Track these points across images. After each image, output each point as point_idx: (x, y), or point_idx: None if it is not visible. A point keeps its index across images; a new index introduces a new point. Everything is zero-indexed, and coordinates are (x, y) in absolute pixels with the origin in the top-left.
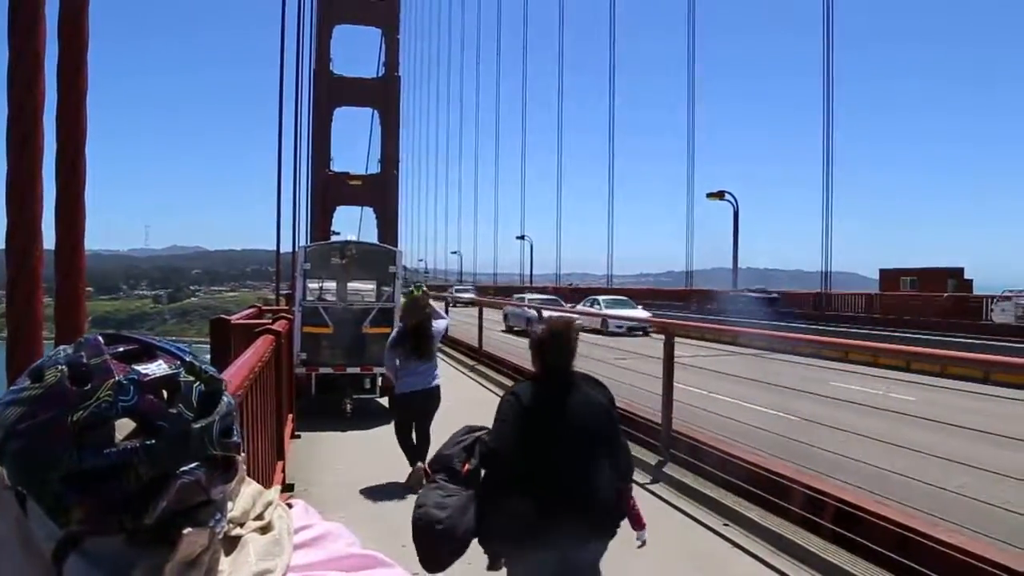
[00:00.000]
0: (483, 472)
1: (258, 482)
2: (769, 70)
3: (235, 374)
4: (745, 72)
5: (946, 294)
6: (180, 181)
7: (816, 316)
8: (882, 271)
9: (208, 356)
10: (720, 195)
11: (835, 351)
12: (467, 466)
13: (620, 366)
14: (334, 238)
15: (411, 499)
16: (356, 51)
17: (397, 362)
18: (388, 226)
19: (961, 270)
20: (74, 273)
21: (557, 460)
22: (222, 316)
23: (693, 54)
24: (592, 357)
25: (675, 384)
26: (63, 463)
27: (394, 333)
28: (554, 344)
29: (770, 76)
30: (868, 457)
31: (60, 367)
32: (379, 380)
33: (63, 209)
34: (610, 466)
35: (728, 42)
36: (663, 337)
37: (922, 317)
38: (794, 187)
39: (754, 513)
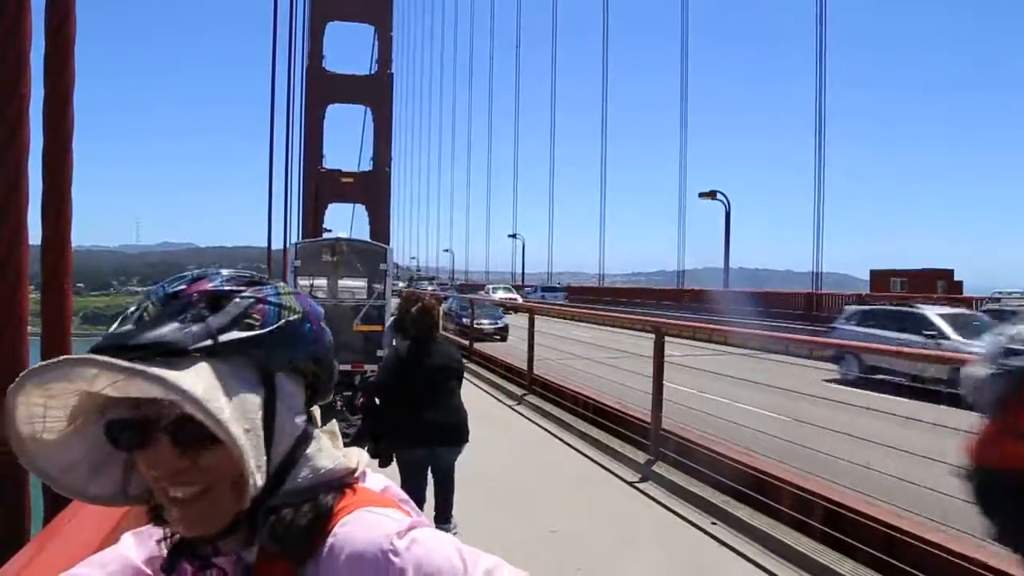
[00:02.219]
0: (376, 399)
1: None
2: (761, 72)
3: None
4: (737, 75)
5: (936, 295)
6: (171, 177)
7: (806, 316)
8: (872, 272)
9: None
10: (712, 195)
11: (827, 351)
12: (362, 400)
13: (611, 365)
14: (326, 235)
15: None
16: (349, 48)
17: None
18: (380, 223)
19: (951, 272)
20: (61, 268)
21: (423, 389)
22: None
23: (686, 47)
24: (583, 356)
25: (664, 383)
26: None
27: (391, 321)
28: (422, 317)
29: (762, 78)
30: (859, 457)
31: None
32: (370, 377)
33: (50, 205)
34: (458, 395)
35: (720, 45)
36: (653, 336)
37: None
38: (786, 188)
39: (743, 512)
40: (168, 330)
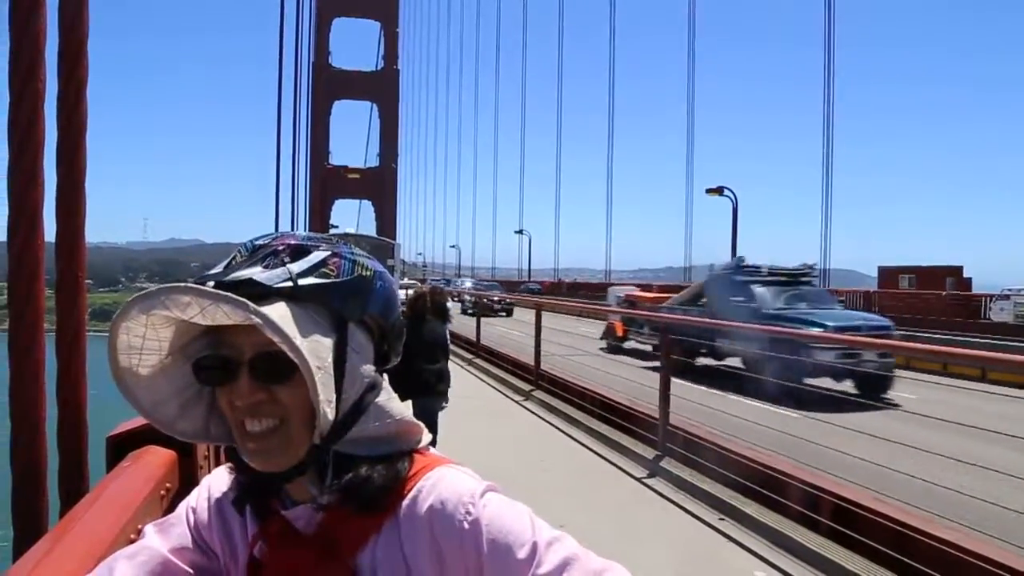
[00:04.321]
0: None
1: None
2: (768, 69)
3: None
4: (744, 72)
5: (945, 292)
6: (179, 174)
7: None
8: (881, 268)
9: None
10: (719, 191)
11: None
12: None
13: (618, 361)
14: (332, 231)
15: None
16: (355, 44)
17: None
18: (386, 219)
19: (960, 268)
20: (75, 265)
21: (418, 355)
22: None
23: (693, 42)
24: (590, 352)
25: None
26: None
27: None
28: (416, 300)
29: (769, 74)
30: (867, 454)
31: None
32: None
33: (63, 201)
34: (443, 361)
35: (727, 42)
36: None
37: (920, 315)
38: (793, 184)
39: (751, 508)
40: (254, 272)
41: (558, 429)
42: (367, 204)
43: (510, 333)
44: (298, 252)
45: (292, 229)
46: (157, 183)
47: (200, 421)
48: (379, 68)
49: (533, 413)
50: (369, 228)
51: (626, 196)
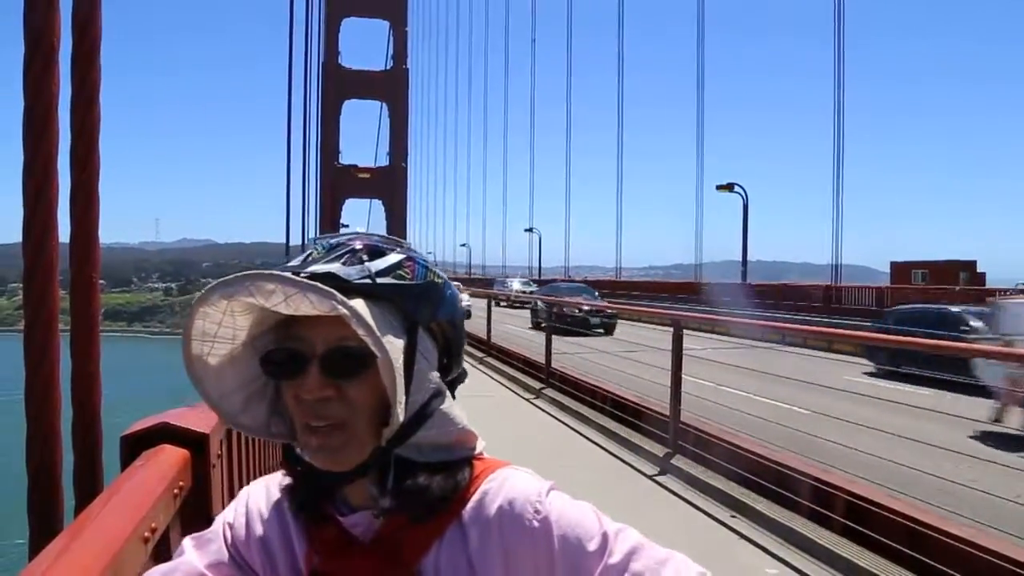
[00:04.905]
0: None
1: (269, 471)
2: (778, 65)
3: None
4: (754, 68)
5: (958, 287)
6: (190, 175)
7: (825, 309)
8: (893, 264)
9: None
10: (729, 187)
11: (848, 344)
12: None
13: (629, 358)
14: (342, 230)
15: None
16: (365, 44)
17: None
18: (397, 218)
19: (974, 263)
20: (89, 265)
21: None
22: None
23: (703, 37)
24: (599, 349)
25: (683, 376)
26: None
27: None
28: None
29: (779, 70)
30: (878, 450)
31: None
32: None
33: (77, 201)
34: None
35: (736, 38)
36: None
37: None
38: (804, 180)
39: (762, 505)
40: (333, 267)
41: (569, 427)
42: (377, 203)
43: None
44: (375, 252)
45: (303, 229)
46: (168, 183)
47: (262, 417)
48: (389, 68)
49: (544, 411)
50: (379, 227)
51: (636, 193)
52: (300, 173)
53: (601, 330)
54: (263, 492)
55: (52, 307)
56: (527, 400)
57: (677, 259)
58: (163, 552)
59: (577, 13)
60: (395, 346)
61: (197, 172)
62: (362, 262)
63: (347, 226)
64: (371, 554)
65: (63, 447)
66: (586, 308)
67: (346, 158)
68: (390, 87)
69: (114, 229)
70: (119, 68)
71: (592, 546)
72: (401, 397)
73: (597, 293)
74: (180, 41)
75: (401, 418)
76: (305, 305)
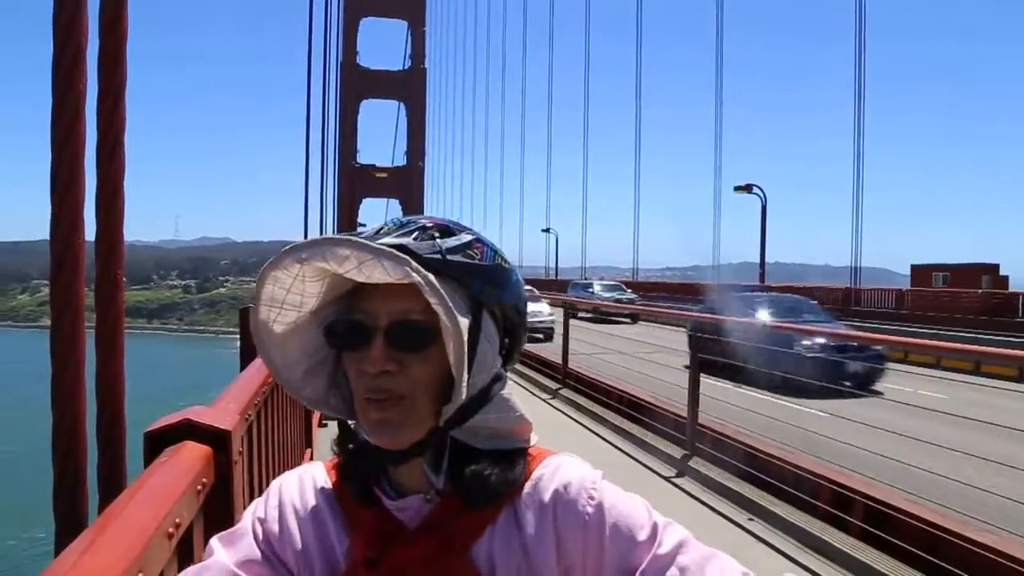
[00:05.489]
0: None
1: (288, 468)
2: (797, 66)
3: None
4: (772, 70)
5: (980, 291)
6: (209, 173)
7: (844, 312)
8: (913, 267)
9: (238, 345)
10: (748, 188)
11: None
12: None
13: (649, 360)
14: (360, 229)
15: None
16: (383, 44)
17: None
18: None
19: (997, 266)
20: (113, 263)
21: None
22: (251, 305)
23: (721, 37)
24: (618, 351)
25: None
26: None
27: None
28: None
29: (798, 71)
30: (898, 455)
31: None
32: None
33: (102, 199)
34: None
35: (755, 40)
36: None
37: (956, 314)
38: (823, 181)
39: (780, 508)
40: (406, 241)
41: (585, 427)
42: (394, 203)
43: None
44: (445, 231)
45: (320, 227)
46: (187, 182)
47: (322, 390)
48: (406, 67)
49: (560, 411)
50: None
51: (653, 194)
52: (318, 172)
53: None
54: (296, 484)
55: (78, 305)
56: (543, 400)
57: (694, 260)
58: (187, 548)
59: (595, 13)
60: (463, 322)
61: (216, 170)
62: (433, 239)
63: (364, 225)
64: (421, 540)
65: (87, 443)
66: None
67: (363, 157)
68: (408, 87)
69: (134, 227)
70: (136, 65)
71: (642, 536)
72: (465, 374)
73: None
74: (199, 39)
75: (463, 395)
76: (379, 272)
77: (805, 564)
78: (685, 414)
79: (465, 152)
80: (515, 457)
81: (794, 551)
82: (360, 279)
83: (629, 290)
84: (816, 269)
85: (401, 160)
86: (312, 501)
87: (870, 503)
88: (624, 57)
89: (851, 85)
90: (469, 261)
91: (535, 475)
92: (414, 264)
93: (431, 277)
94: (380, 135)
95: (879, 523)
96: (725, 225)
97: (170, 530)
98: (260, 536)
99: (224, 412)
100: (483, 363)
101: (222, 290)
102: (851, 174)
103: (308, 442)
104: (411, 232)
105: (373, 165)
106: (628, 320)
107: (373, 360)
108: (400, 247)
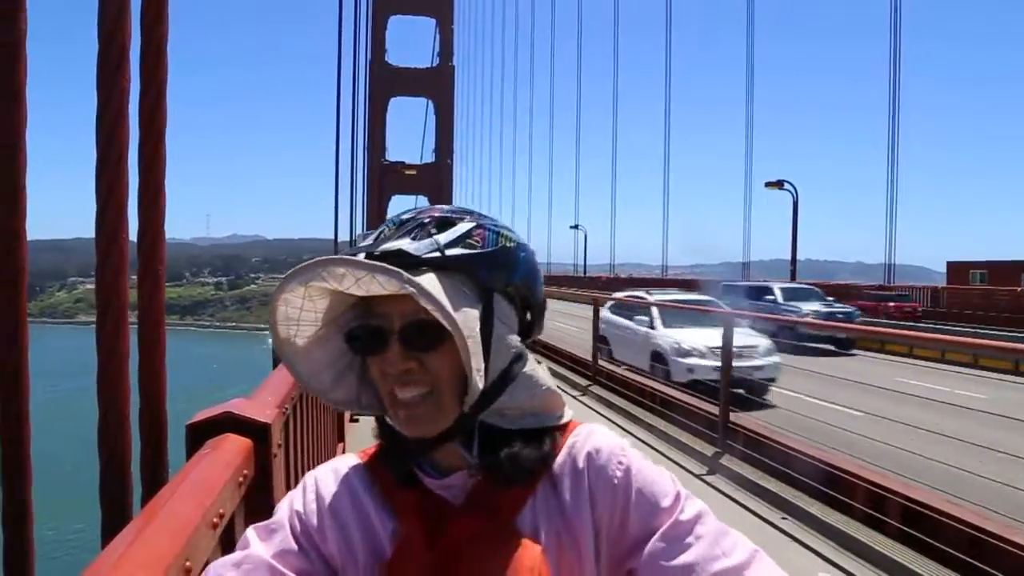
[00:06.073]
0: None
1: (323, 461)
2: (830, 63)
3: None
4: (805, 67)
5: (1020, 288)
6: (239, 171)
7: (877, 311)
8: (949, 264)
9: (270, 342)
10: (779, 184)
11: (900, 346)
12: None
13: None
14: (364, 233)
15: None
16: (410, 42)
17: None
18: None
19: None
20: (155, 259)
21: None
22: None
23: (752, 28)
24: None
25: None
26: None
27: None
28: None
29: (830, 69)
30: (935, 454)
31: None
32: None
33: (145, 197)
34: None
35: (787, 39)
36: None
37: (992, 312)
38: (857, 178)
39: (814, 508)
40: (403, 243)
41: (616, 425)
42: (423, 200)
43: None
44: (444, 224)
45: (350, 225)
46: (218, 179)
47: (352, 391)
48: (434, 65)
49: (591, 408)
50: None
51: (683, 190)
52: (348, 170)
53: None
54: (331, 476)
55: (122, 301)
56: (573, 398)
57: (724, 257)
58: (229, 538)
59: (624, 10)
60: (468, 316)
61: (246, 168)
62: (431, 235)
63: None
64: (467, 514)
65: (132, 436)
66: None
67: (392, 155)
68: (436, 84)
69: (167, 224)
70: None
71: (665, 502)
72: (478, 365)
73: None
74: (229, 39)
75: (481, 385)
76: (375, 286)
77: (840, 564)
78: (717, 411)
79: (493, 149)
80: (545, 436)
81: (829, 551)
82: (361, 293)
83: (832, 299)
84: (848, 266)
85: (429, 157)
86: (350, 490)
87: (907, 503)
88: (653, 55)
89: (885, 82)
90: (469, 251)
91: (568, 444)
92: (405, 276)
93: (426, 282)
94: (408, 132)
95: (917, 524)
96: (756, 222)
97: (214, 520)
98: (297, 529)
99: (263, 406)
100: (500, 347)
101: (253, 287)
102: (885, 171)
103: (340, 436)
104: (409, 232)
105: (402, 162)
106: (841, 348)
107: (392, 362)
108: (398, 252)
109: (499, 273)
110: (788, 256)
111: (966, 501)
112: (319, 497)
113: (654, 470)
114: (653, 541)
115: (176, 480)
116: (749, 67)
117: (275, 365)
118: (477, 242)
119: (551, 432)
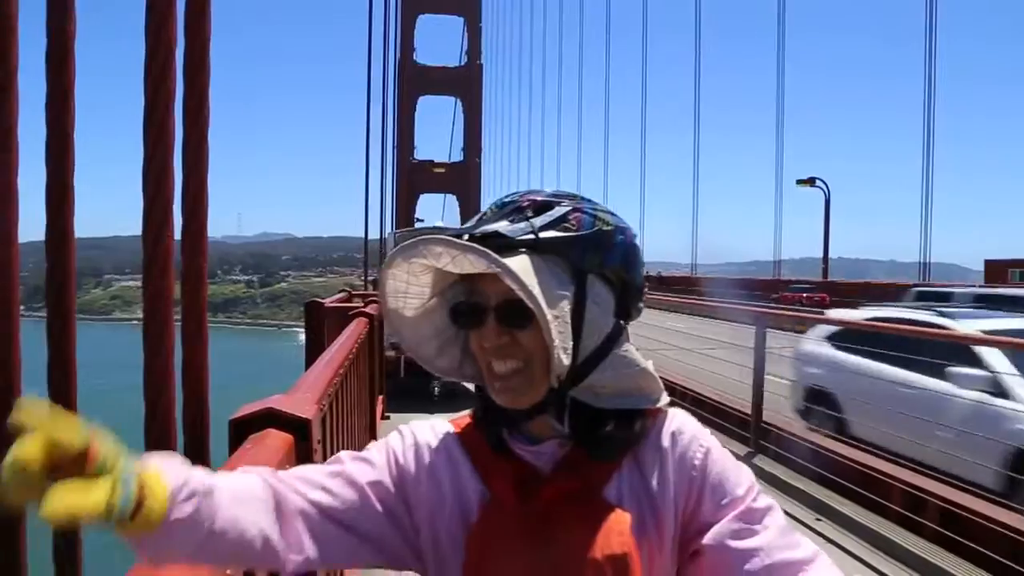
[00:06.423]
0: None
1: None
2: (864, 62)
3: (336, 353)
4: (839, 66)
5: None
6: (270, 170)
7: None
8: (987, 262)
9: (303, 337)
10: (811, 182)
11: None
12: None
13: (712, 356)
14: (417, 224)
15: None
16: (438, 41)
17: None
18: (470, 212)
19: None
20: (198, 258)
21: None
22: (316, 299)
23: (783, 24)
24: (679, 346)
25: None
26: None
27: None
28: None
29: (864, 66)
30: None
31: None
32: None
33: (188, 197)
34: None
35: (818, 38)
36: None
37: None
38: (890, 176)
39: (848, 509)
40: (500, 225)
41: None
42: (451, 198)
43: None
44: (542, 208)
45: (381, 222)
46: (248, 178)
47: (455, 361)
48: (462, 64)
49: None
50: (453, 222)
51: (713, 189)
52: (378, 168)
53: None
54: (429, 431)
55: (168, 298)
56: None
57: (754, 255)
58: None
59: (653, 8)
60: (556, 296)
61: (276, 167)
62: (527, 219)
63: (422, 220)
64: (557, 481)
65: (177, 429)
66: None
67: (420, 154)
68: (464, 83)
69: None
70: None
71: (740, 491)
72: (562, 343)
73: None
74: (256, 39)
75: (565, 362)
76: (467, 264)
77: (876, 566)
78: (749, 411)
79: (522, 148)
80: (636, 416)
81: (864, 552)
82: (456, 271)
83: None
84: (881, 265)
85: (457, 156)
86: (446, 448)
87: (945, 505)
88: (683, 54)
89: (919, 82)
90: (563, 234)
91: (657, 424)
92: (493, 256)
93: (514, 263)
94: (437, 131)
95: (956, 527)
96: (787, 220)
97: None
98: (393, 469)
99: (302, 402)
100: (592, 327)
101: (283, 285)
102: (920, 168)
103: (373, 434)
104: (508, 215)
105: (431, 161)
106: None
107: (488, 336)
108: (494, 234)
109: (593, 256)
110: (818, 254)
111: (1005, 503)
112: (417, 446)
113: (732, 459)
114: (724, 521)
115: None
116: (780, 63)
117: (307, 363)
118: (573, 225)
119: (642, 414)
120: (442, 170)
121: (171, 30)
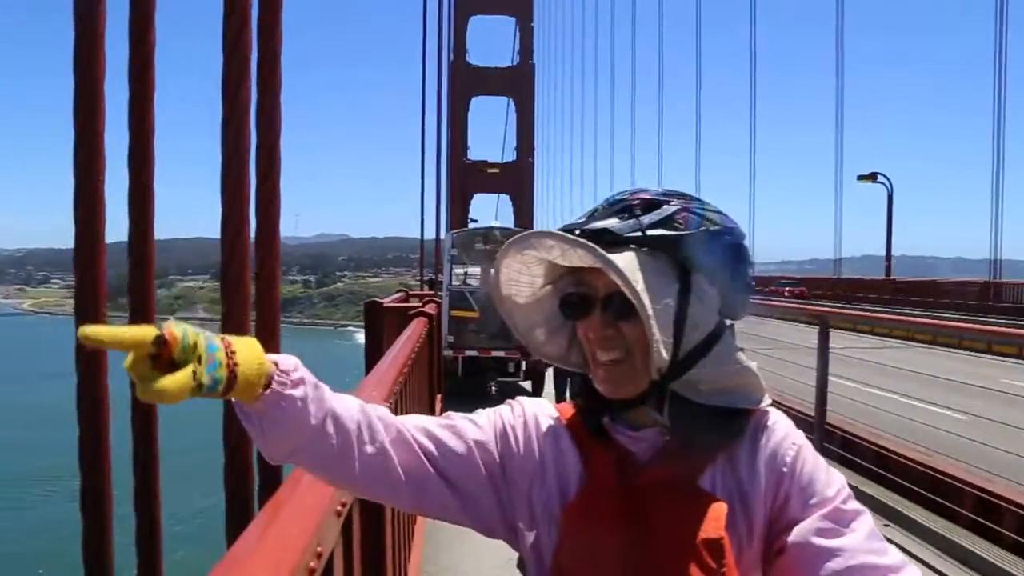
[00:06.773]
0: None
1: None
2: (928, 55)
3: (400, 352)
4: (903, 60)
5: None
6: (327, 172)
7: (983, 308)
8: None
9: (359, 337)
10: (872, 177)
11: (1009, 346)
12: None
13: (771, 356)
14: (471, 224)
15: None
16: (490, 41)
17: None
18: (524, 213)
19: None
20: (271, 258)
21: None
22: (375, 299)
23: (842, 21)
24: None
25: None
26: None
27: None
28: None
29: (921, 60)
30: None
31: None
32: (523, 364)
33: (261, 199)
34: None
35: (878, 32)
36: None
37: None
38: (956, 171)
39: (916, 513)
40: (609, 222)
41: None
42: (504, 198)
43: None
44: (650, 206)
45: (436, 222)
46: (306, 180)
47: (563, 349)
48: (515, 63)
49: None
50: (507, 222)
51: (769, 186)
52: (434, 169)
53: None
54: (538, 408)
55: (245, 296)
56: None
57: (813, 253)
58: (350, 526)
59: (707, 4)
60: (658, 292)
61: (333, 169)
62: (636, 216)
63: (475, 221)
64: (655, 468)
65: None
66: None
67: (473, 154)
68: (516, 83)
69: None
70: None
71: (830, 492)
72: (663, 337)
73: None
74: (313, 40)
75: (665, 356)
76: (575, 258)
77: (945, 573)
78: (812, 413)
79: (575, 147)
80: (736, 414)
81: (935, 560)
82: (565, 264)
83: None
84: (947, 262)
85: (510, 156)
86: (551, 427)
87: (1019, 511)
88: (737, 50)
89: (981, 75)
90: (670, 232)
91: (754, 422)
92: (599, 251)
93: (620, 260)
94: (489, 131)
95: None
96: (848, 217)
97: (338, 508)
98: (499, 438)
99: (370, 399)
100: (695, 323)
101: (340, 285)
102: (990, 162)
103: None
104: (618, 212)
105: (484, 161)
106: None
107: (594, 327)
108: (603, 230)
109: (699, 254)
110: (880, 252)
111: None
112: (526, 419)
113: (823, 461)
114: (811, 519)
115: (294, 476)
116: (839, 56)
117: (368, 362)
118: (680, 224)
119: (741, 413)
120: (495, 170)
121: (247, 37)
